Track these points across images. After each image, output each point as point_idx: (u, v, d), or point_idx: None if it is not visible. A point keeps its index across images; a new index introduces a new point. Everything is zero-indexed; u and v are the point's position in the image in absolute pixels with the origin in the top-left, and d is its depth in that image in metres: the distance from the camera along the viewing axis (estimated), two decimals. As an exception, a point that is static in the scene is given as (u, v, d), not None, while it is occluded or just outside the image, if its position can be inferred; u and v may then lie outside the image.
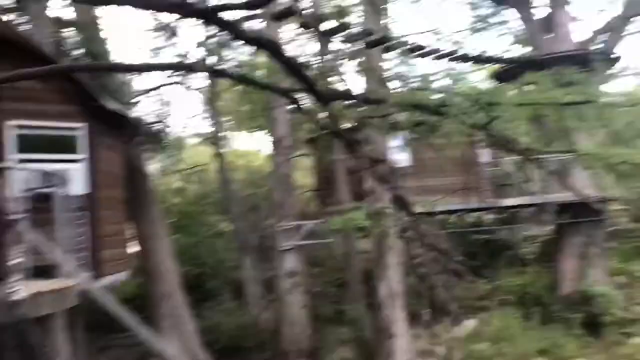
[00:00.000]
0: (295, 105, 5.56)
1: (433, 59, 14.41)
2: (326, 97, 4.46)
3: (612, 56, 15.74)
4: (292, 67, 4.70)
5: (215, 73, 4.88)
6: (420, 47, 13.38)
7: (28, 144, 7.92)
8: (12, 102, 7.72)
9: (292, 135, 18.15)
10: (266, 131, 25.06)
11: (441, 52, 14.52)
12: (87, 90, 8.19)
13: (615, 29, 16.19)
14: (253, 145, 31.71)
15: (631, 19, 16.30)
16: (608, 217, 17.44)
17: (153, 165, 18.38)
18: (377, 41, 10.65)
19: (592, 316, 14.77)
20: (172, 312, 14.30)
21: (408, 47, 12.46)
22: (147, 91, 18.30)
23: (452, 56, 15.07)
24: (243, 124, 26.98)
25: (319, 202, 18.25)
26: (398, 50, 11.82)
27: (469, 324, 16.86)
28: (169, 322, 14.19)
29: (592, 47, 16.27)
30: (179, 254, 15.45)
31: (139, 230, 13.41)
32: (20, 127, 7.74)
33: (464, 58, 15.81)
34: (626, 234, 18.63)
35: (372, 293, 13.85)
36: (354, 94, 5.70)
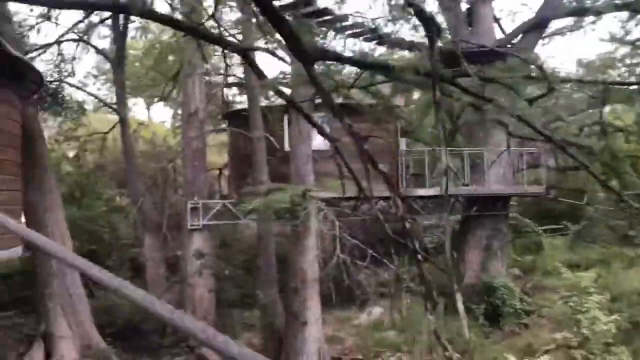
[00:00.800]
0: (254, 68, 4.80)
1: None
2: (312, 55, 3.76)
3: (530, 55, 16.23)
4: (274, 13, 3.86)
5: (154, 17, 4.01)
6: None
7: None
8: None
9: (205, 108, 17.15)
10: (170, 102, 23.67)
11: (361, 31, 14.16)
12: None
13: (533, 29, 16.70)
14: (158, 116, 30.02)
15: (549, 21, 16.87)
16: (510, 211, 18.24)
17: (47, 129, 16.51)
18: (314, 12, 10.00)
19: (493, 307, 15.30)
20: (63, 292, 12.96)
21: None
22: (45, 46, 16.36)
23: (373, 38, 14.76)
24: (149, 92, 25.31)
25: (233, 182, 17.40)
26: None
27: (375, 311, 16.94)
28: (60, 302, 12.85)
29: (511, 45, 16.68)
30: (72, 228, 14.02)
31: (30, 199, 11.87)
32: None
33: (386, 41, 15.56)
34: (523, 229, 19.58)
35: (286, 278, 13.35)
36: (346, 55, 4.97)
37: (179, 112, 25.09)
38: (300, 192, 11.70)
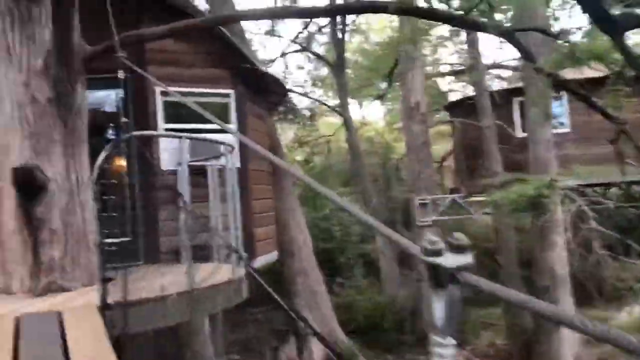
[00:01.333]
0: (522, 50, 4.25)
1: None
2: (621, 23, 3.12)
3: None
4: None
5: (410, 12, 3.76)
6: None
7: (175, 112, 7.22)
8: (158, 66, 7.02)
9: (426, 101, 16.75)
10: (385, 100, 23.73)
11: None
12: (237, 52, 7.34)
13: None
14: (370, 114, 30.54)
15: None
16: None
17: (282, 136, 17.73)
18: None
19: None
20: (308, 289, 13.68)
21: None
22: (272, 60, 17.57)
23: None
24: (363, 92, 25.81)
25: (459, 174, 16.73)
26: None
27: (636, 310, 14.82)
28: (305, 300, 13.58)
29: None
30: (309, 228, 14.74)
31: (276, 204, 12.74)
32: (165, 93, 7.04)
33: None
34: None
35: (529, 275, 12.31)
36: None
37: (393, 107, 25.17)
38: (546, 182, 10.61)
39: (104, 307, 3.58)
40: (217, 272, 4.92)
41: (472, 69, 13.99)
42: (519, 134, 14.52)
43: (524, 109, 14.60)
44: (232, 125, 7.49)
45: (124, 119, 3.84)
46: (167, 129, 7.09)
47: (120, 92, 7.01)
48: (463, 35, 16.61)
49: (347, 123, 16.73)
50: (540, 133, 11.54)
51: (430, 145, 16.42)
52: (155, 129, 6.99)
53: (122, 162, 7.14)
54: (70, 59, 4.74)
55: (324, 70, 21.31)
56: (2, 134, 4.81)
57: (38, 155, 4.69)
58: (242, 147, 7.47)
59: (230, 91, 7.47)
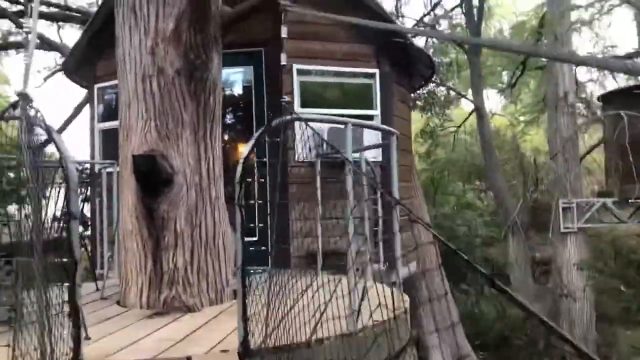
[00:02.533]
0: None
1: None
2: None
3: None
4: None
5: None
6: None
7: (312, 95, 6.21)
8: (295, 40, 6.03)
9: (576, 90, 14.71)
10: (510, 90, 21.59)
11: None
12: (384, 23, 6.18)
13: None
14: (496, 104, 28.30)
15: None
16: None
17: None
18: None
19: None
20: (433, 296, 12.38)
21: None
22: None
23: None
24: (490, 80, 23.76)
25: (613, 176, 14.54)
26: None
27: None
28: (429, 307, 12.31)
29: None
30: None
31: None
32: (303, 72, 6.04)
33: None
34: None
35: None
36: None
37: (522, 98, 22.92)
38: None
39: (245, 353, 2.58)
40: (374, 294, 3.81)
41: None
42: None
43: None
44: (375, 112, 6.36)
45: (286, 98, 2.89)
46: (301, 113, 6.09)
47: (248, 70, 6.11)
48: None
49: (480, 113, 15.09)
50: None
51: (577, 141, 14.40)
52: (290, 113, 6.01)
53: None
54: (206, 23, 3.80)
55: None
56: (124, 111, 4.00)
57: (163, 140, 3.82)
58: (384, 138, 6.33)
59: (375, 70, 6.33)
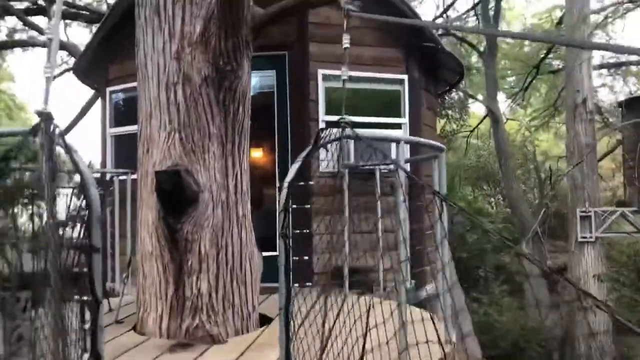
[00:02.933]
0: None
1: None
2: None
3: None
4: None
5: None
6: None
7: (336, 102, 5.87)
8: (320, 43, 5.69)
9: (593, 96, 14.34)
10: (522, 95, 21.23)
11: None
12: (413, 26, 5.84)
13: None
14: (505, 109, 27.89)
15: None
16: None
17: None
18: None
19: None
20: (455, 310, 12.02)
21: None
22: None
23: None
24: (500, 83, 23.43)
25: (632, 184, 14.20)
26: None
27: None
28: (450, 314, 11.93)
29: None
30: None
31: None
32: (327, 77, 5.69)
33: None
34: None
35: None
36: None
37: (533, 103, 22.55)
38: None
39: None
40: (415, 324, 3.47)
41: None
42: None
43: None
44: (404, 120, 6.01)
45: (346, 118, 2.56)
46: (327, 122, 5.75)
47: (270, 75, 5.77)
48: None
49: (495, 118, 14.72)
50: None
51: (596, 148, 14.03)
52: (314, 121, 5.68)
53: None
54: (237, 26, 3.46)
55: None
56: (144, 122, 3.66)
57: (188, 154, 3.48)
58: (413, 148, 5.99)
59: (403, 76, 5.99)
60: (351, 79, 5.30)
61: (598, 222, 13.33)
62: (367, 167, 5.42)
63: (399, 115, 6.00)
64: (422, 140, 4.07)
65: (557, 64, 20.14)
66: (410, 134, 5.94)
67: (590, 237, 13.18)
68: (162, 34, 3.50)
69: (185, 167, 3.43)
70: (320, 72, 5.66)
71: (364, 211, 5.66)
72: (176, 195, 3.39)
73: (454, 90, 14.23)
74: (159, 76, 3.53)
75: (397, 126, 5.99)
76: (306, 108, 5.60)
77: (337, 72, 5.22)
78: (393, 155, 5.61)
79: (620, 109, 15.32)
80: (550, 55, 18.08)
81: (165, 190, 3.37)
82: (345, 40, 2.36)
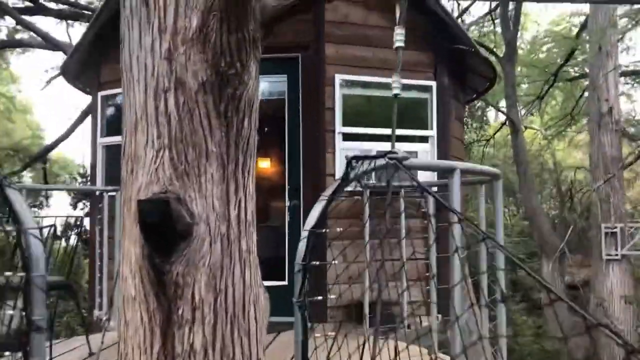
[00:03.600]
0: None
1: None
2: None
3: None
4: None
5: None
6: None
7: (353, 111, 5.20)
8: (337, 44, 5.03)
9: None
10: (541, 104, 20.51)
11: None
12: (444, 25, 5.16)
13: None
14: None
15: None
16: None
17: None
18: None
19: None
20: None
21: None
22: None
23: None
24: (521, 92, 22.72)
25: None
26: None
27: None
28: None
29: None
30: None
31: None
32: (346, 83, 5.03)
33: None
34: None
35: None
36: None
37: (551, 113, 21.80)
38: None
39: None
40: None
41: None
42: None
43: None
44: (431, 132, 5.33)
45: (399, 152, 1.91)
46: (344, 134, 5.08)
47: (281, 80, 5.10)
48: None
49: (515, 127, 14.03)
50: None
51: (622, 161, 13.31)
52: (330, 132, 5.01)
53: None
54: (243, 20, 2.78)
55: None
56: (129, 136, 2.99)
57: (181, 178, 2.80)
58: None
59: (432, 83, 5.31)
60: (372, 85, 4.63)
61: (624, 238, 12.63)
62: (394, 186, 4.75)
63: (425, 127, 5.32)
64: (477, 167, 3.38)
65: (575, 71, 19.47)
66: (439, 148, 5.26)
67: (616, 255, 12.47)
68: (150, 28, 2.84)
69: (176, 194, 2.75)
70: (338, 77, 4.99)
71: (388, 236, 4.98)
72: (164, 228, 2.72)
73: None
74: (147, 80, 2.86)
75: (424, 139, 5.31)
76: (321, 117, 4.93)
77: (356, 77, 4.56)
78: (422, 179, 4.94)
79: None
80: (569, 62, 17.41)
81: (150, 224, 2.70)
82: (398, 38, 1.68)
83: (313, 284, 4.94)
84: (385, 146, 5.05)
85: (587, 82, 19.00)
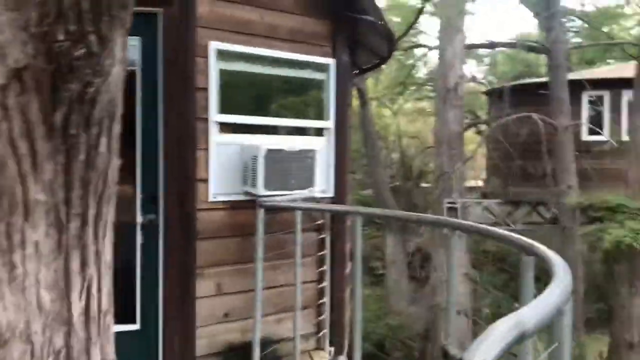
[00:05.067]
0: None
1: None
2: None
3: None
4: None
5: None
6: None
7: (234, 94, 3.93)
8: (213, 6, 3.68)
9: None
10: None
11: None
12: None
13: None
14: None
15: None
16: None
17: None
18: None
19: None
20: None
21: None
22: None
23: None
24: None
25: (494, 175, 14.09)
26: None
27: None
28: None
29: None
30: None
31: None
32: (224, 56, 3.72)
33: None
34: None
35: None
36: None
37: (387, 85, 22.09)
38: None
39: None
40: None
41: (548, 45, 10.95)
42: (586, 137, 11.95)
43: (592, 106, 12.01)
44: (328, 124, 4.25)
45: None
46: (221, 124, 3.78)
47: (131, 44, 3.58)
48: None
49: (364, 97, 13.57)
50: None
51: (463, 137, 13.58)
52: (202, 120, 3.69)
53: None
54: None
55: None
56: None
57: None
58: (340, 160, 4.29)
59: (330, 61, 4.20)
60: (263, 59, 3.38)
61: (464, 213, 12.98)
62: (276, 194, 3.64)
63: (321, 117, 4.22)
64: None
65: (414, 41, 19.75)
66: (336, 144, 4.23)
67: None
68: None
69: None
70: (214, 45, 3.65)
71: (276, 258, 3.88)
72: None
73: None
74: None
75: (319, 132, 4.22)
76: (190, 101, 3.58)
77: (239, 48, 3.29)
78: (318, 172, 3.88)
79: (487, 97, 15.14)
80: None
81: None
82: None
83: (175, 328, 3.66)
84: (277, 141, 3.87)
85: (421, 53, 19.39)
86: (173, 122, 3.55)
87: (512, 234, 2.02)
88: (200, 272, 3.64)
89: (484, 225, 2.43)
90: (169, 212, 3.57)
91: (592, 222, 9.70)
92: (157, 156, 3.56)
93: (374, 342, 12.33)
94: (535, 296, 1.68)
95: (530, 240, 1.82)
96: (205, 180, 3.66)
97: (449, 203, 12.77)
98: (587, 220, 10.27)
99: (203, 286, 3.66)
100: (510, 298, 13.10)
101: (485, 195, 14.05)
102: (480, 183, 16.78)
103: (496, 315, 12.50)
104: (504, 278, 13.82)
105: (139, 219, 3.59)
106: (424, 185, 16.85)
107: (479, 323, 11.25)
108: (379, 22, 4.14)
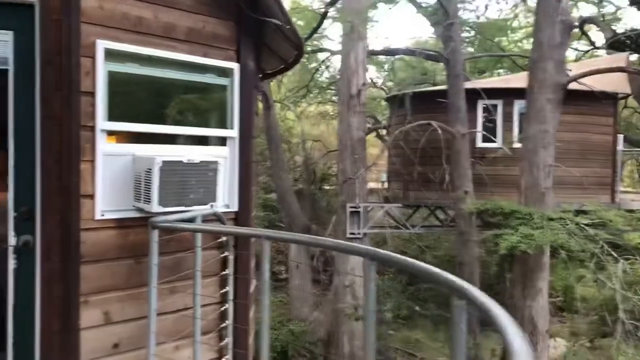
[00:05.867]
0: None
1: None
2: None
3: None
4: None
5: None
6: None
7: (125, 99, 3.54)
8: (99, 7, 3.28)
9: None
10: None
11: None
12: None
13: None
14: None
15: None
16: None
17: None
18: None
19: None
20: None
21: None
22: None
23: None
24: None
25: (395, 180, 14.33)
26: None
27: None
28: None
29: None
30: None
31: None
32: (113, 56, 3.32)
33: None
34: None
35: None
36: None
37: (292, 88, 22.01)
38: (556, 214, 8.52)
39: None
40: None
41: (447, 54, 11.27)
42: (480, 143, 12.45)
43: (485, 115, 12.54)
44: (232, 133, 3.96)
45: None
46: (109, 132, 3.37)
47: (4, 39, 3.10)
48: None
49: (268, 102, 13.32)
50: (540, 152, 9.33)
51: (365, 143, 13.73)
52: (88, 129, 3.27)
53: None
54: None
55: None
56: None
57: None
58: (243, 171, 4.01)
59: (234, 65, 3.90)
60: (157, 61, 3.04)
61: (365, 217, 13.12)
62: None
63: (224, 125, 3.91)
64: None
65: (317, 44, 19.74)
66: (241, 155, 3.94)
67: (359, 234, 12.88)
68: None
69: None
70: (101, 44, 3.24)
71: (174, 280, 3.54)
72: None
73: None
74: None
75: (222, 141, 3.91)
76: (73, 106, 3.14)
77: (131, 47, 2.96)
78: (221, 191, 3.59)
79: (388, 103, 15.38)
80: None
81: None
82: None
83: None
84: (174, 151, 3.51)
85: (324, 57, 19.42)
86: (52, 129, 3.10)
87: (441, 272, 1.86)
88: (85, 300, 3.22)
89: (405, 258, 2.25)
90: (47, 231, 3.12)
91: (488, 226, 10.09)
92: (34, 168, 3.10)
93: (277, 350, 12.09)
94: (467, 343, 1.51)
95: (462, 282, 1.66)
96: (91, 196, 3.24)
97: (352, 207, 12.84)
98: (483, 224, 10.68)
99: (88, 315, 3.24)
100: (409, 301, 13.40)
101: (386, 199, 14.27)
102: (380, 185, 17.07)
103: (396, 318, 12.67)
104: (404, 282, 14.10)
105: (12, 240, 3.11)
106: (326, 188, 16.86)
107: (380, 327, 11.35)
108: (287, 27, 3.90)
